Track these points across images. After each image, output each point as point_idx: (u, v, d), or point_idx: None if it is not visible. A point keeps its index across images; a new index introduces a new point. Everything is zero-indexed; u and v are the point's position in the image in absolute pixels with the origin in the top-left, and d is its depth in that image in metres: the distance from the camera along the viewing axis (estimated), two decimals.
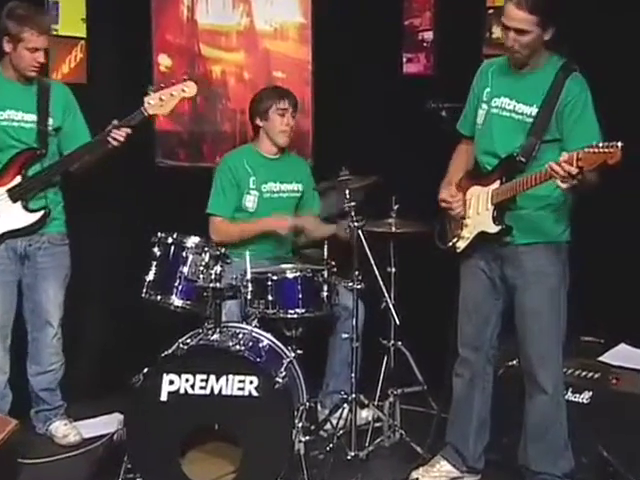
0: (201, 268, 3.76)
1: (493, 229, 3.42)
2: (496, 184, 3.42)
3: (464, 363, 3.65)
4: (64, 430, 4.12)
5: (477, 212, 3.50)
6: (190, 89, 3.87)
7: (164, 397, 3.41)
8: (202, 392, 3.41)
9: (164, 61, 5.02)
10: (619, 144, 2.90)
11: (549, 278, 3.42)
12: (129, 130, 3.82)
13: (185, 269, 3.84)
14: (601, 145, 2.94)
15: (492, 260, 3.51)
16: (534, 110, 3.35)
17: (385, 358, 4.23)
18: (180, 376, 3.41)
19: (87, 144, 3.90)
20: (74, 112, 4.03)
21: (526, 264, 3.42)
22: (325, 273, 3.92)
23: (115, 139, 3.81)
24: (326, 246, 4.00)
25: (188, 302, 3.85)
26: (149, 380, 3.43)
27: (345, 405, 3.93)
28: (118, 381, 3.68)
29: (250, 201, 4.34)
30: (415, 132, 4.53)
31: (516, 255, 3.44)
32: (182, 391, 3.41)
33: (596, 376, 3.69)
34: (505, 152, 3.40)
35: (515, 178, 3.32)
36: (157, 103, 3.83)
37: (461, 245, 3.56)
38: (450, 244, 3.60)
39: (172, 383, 3.41)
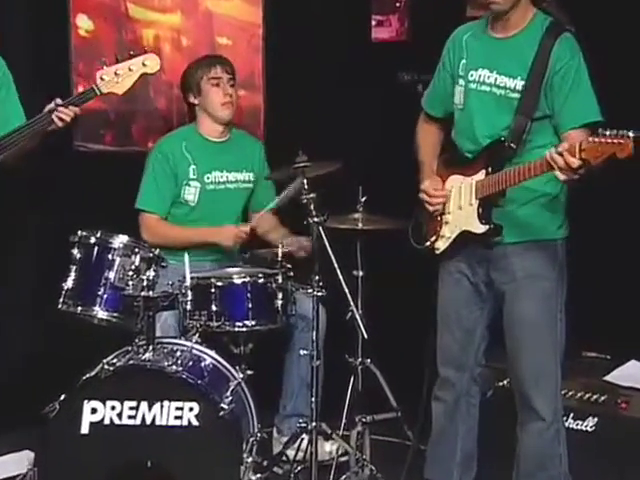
0: (130, 273, 3.75)
1: (479, 229, 3.40)
2: (481, 174, 3.40)
3: (445, 385, 3.65)
4: None
5: (459, 207, 3.48)
6: (152, 63, 3.85)
7: (85, 429, 3.39)
8: (131, 422, 3.39)
9: (84, 23, 4.99)
10: (631, 134, 2.85)
11: (543, 282, 3.41)
12: (77, 109, 3.75)
13: (111, 274, 3.81)
14: (608, 134, 2.89)
15: (476, 263, 3.50)
16: (519, 83, 3.33)
17: (352, 379, 4.22)
18: (104, 403, 3.39)
19: (21, 127, 3.78)
20: (7, 88, 3.92)
21: (515, 267, 3.41)
22: (279, 278, 3.92)
23: (61, 119, 3.71)
24: (281, 245, 3.99)
25: (115, 314, 3.82)
26: (66, 409, 3.40)
27: (304, 435, 3.91)
28: (28, 411, 3.64)
29: (191, 194, 4.34)
30: (386, 109, 4.54)
31: (504, 256, 3.42)
32: (107, 421, 3.39)
33: (602, 399, 3.72)
34: (486, 135, 3.39)
35: (504, 167, 3.31)
36: (112, 79, 3.78)
37: (441, 246, 3.54)
38: (428, 244, 3.58)
39: (95, 412, 3.39)
